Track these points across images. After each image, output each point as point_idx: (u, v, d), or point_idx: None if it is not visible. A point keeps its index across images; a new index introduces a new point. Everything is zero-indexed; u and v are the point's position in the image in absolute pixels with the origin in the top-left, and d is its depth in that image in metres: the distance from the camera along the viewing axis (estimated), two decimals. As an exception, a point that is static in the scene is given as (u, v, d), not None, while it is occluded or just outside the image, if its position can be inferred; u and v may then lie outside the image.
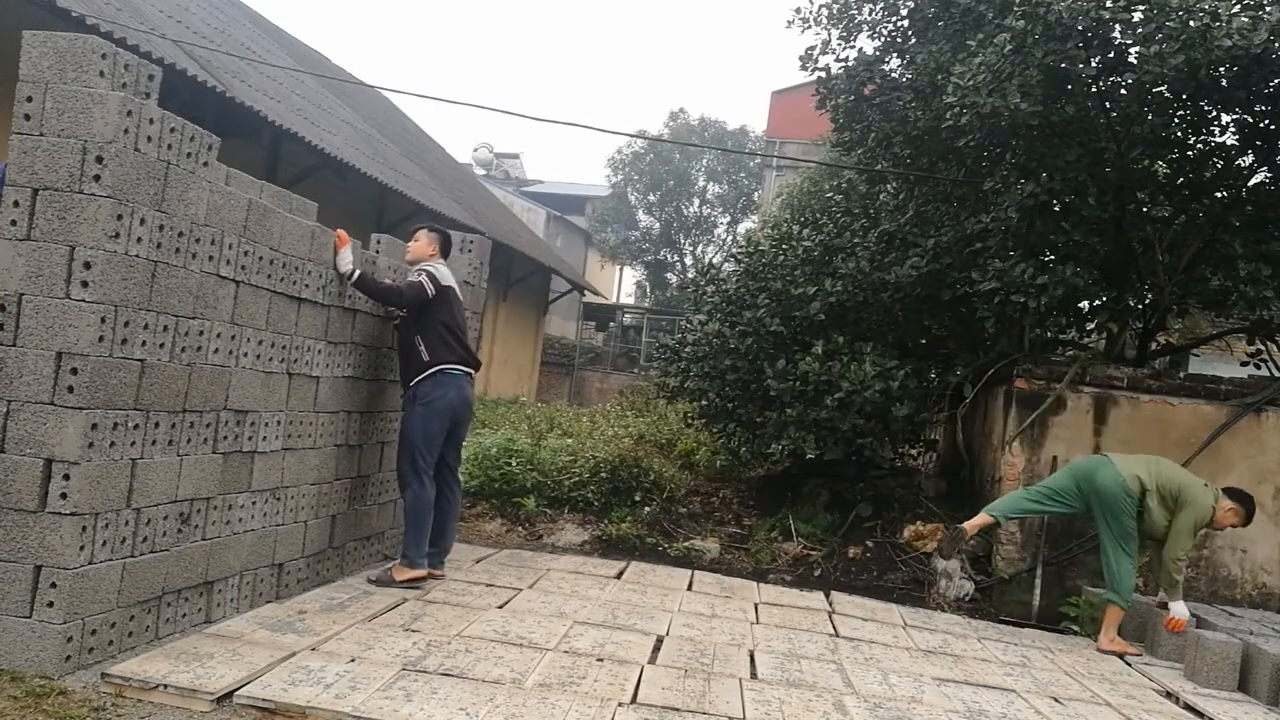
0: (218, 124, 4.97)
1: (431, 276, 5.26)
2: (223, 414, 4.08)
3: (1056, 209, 7.03)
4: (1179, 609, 5.66)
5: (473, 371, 5.44)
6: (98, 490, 3.41)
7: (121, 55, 3.47)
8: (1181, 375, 7.45)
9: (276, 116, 10.34)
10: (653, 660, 4.41)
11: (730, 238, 35.28)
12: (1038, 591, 6.52)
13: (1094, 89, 6.36)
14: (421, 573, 5.21)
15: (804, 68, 8.26)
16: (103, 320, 3.36)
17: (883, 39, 8.29)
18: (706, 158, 36.03)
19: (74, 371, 3.32)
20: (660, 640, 4.77)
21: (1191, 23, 5.59)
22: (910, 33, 8.13)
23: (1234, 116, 6.71)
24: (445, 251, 5.56)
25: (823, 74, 8.23)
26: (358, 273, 4.92)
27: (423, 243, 5.47)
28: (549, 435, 9.93)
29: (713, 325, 8.58)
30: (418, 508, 5.20)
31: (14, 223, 3.38)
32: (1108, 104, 6.47)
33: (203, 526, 4.02)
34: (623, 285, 44.69)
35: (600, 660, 4.28)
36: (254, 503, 4.38)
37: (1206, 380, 6.86)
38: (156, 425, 3.67)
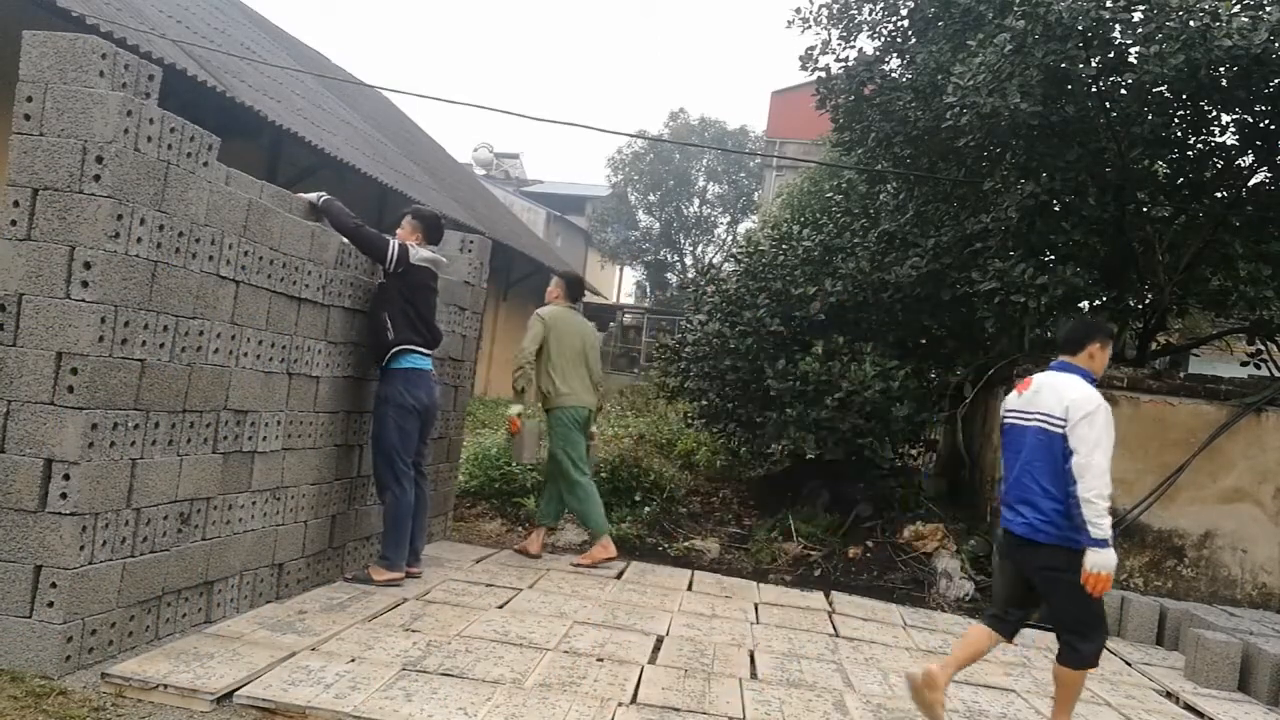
0: (218, 124, 4.92)
1: (404, 248, 5.11)
2: (223, 414, 4.08)
3: (1056, 209, 7.04)
4: None
5: (432, 355, 5.32)
6: (98, 490, 3.41)
7: (121, 55, 3.47)
8: (1181, 375, 7.46)
9: (276, 116, 10.33)
10: (653, 660, 4.42)
11: (730, 238, 35.28)
12: (1038, 591, 6.52)
13: (1094, 89, 6.36)
14: (400, 574, 5.22)
15: (804, 68, 8.27)
16: (103, 320, 3.36)
17: (883, 39, 8.30)
18: (706, 158, 36.05)
19: (74, 371, 3.32)
20: (660, 640, 4.77)
21: (1191, 23, 5.59)
22: (910, 33, 8.13)
23: (1234, 116, 6.72)
24: (430, 237, 5.44)
25: (823, 74, 8.23)
26: (326, 196, 4.86)
27: (404, 228, 5.39)
28: (549, 435, 9.91)
29: (713, 325, 8.58)
30: (398, 511, 5.18)
31: (14, 223, 3.38)
32: (1108, 104, 6.47)
33: (203, 526, 4.02)
34: (623, 285, 44.72)
35: (600, 660, 4.28)
36: (254, 503, 4.38)
37: (1206, 380, 6.86)
38: (156, 425, 3.67)
